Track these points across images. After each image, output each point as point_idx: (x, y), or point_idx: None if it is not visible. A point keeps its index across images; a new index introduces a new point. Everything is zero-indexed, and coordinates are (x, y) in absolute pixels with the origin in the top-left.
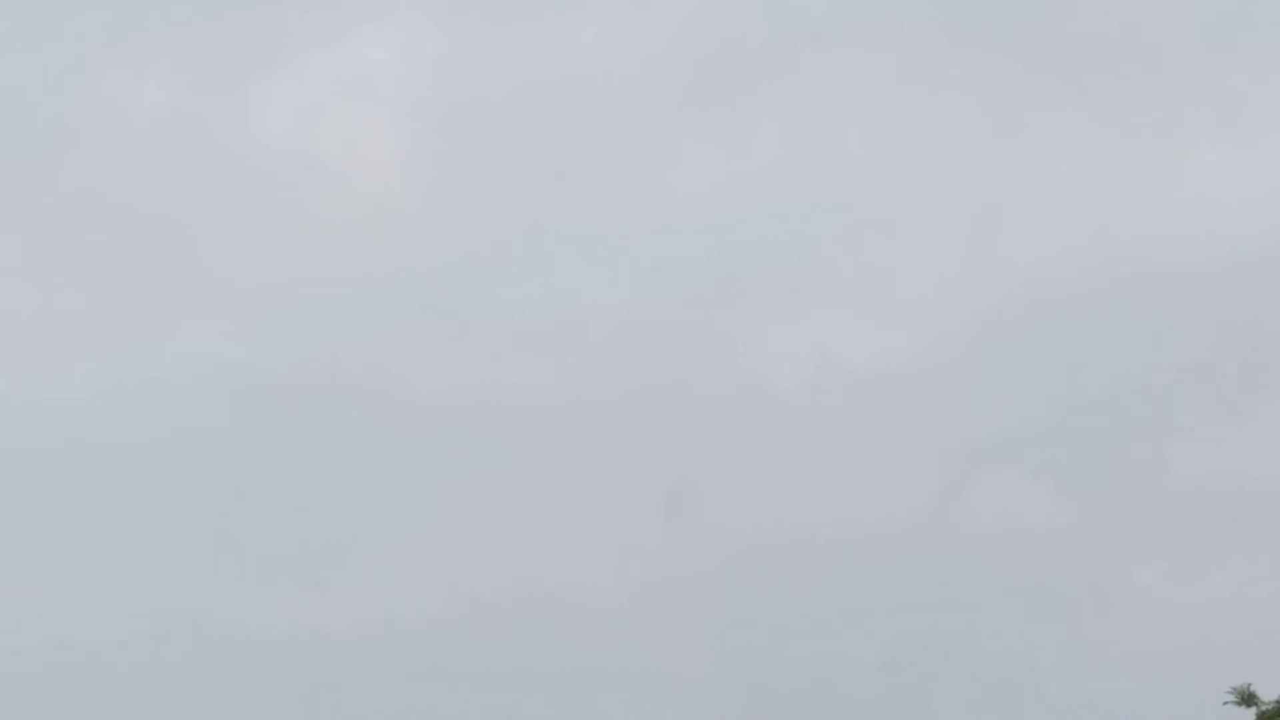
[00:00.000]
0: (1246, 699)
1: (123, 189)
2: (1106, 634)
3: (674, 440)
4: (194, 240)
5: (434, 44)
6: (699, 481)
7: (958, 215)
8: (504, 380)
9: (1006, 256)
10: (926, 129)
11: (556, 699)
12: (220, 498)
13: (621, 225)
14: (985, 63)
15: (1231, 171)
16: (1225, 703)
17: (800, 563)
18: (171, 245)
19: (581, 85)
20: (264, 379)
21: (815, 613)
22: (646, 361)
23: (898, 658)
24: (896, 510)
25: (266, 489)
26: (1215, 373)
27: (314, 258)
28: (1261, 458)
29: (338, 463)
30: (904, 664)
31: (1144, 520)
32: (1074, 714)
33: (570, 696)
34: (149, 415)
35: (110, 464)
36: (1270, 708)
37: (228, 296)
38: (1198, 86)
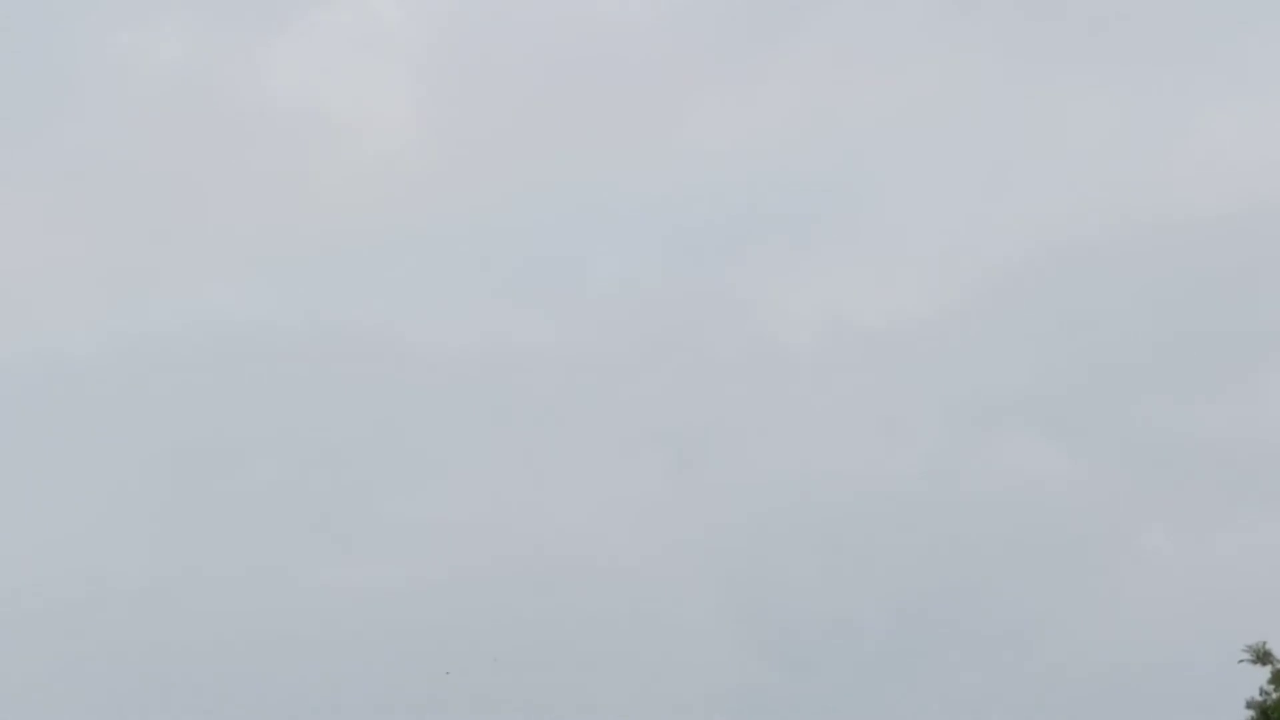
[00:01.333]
0: (1261, 657)
1: (134, 146)
2: (1117, 590)
3: (686, 398)
4: (205, 197)
5: (446, 1)
6: (711, 439)
7: (970, 174)
8: (516, 338)
9: (1018, 215)
10: (940, 88)
11: (569, 654)
12: (229, 453)
13: (633, 184)
14: (999, 21)
15: (1245, 130)
16: (1241, 660)
17: (812, 519)
18: (182, 202)
19: (595, 43)
20: (275, 335)
21: (827, 569)
22: (658, 320)
23: (908, 613)
24: (907, 467)
25: (277, 444)
26: (1226, 332)
27: (325, 214)
28: (1273, 417)
29: (348, 419)
30: (914, 619)
31: (1155, 478)
32: (1083, 669)
33: (583, 652)
34: (158, 371)
35: (120, 419)
36: None
37: (238, 252)
38: (1211, 45)
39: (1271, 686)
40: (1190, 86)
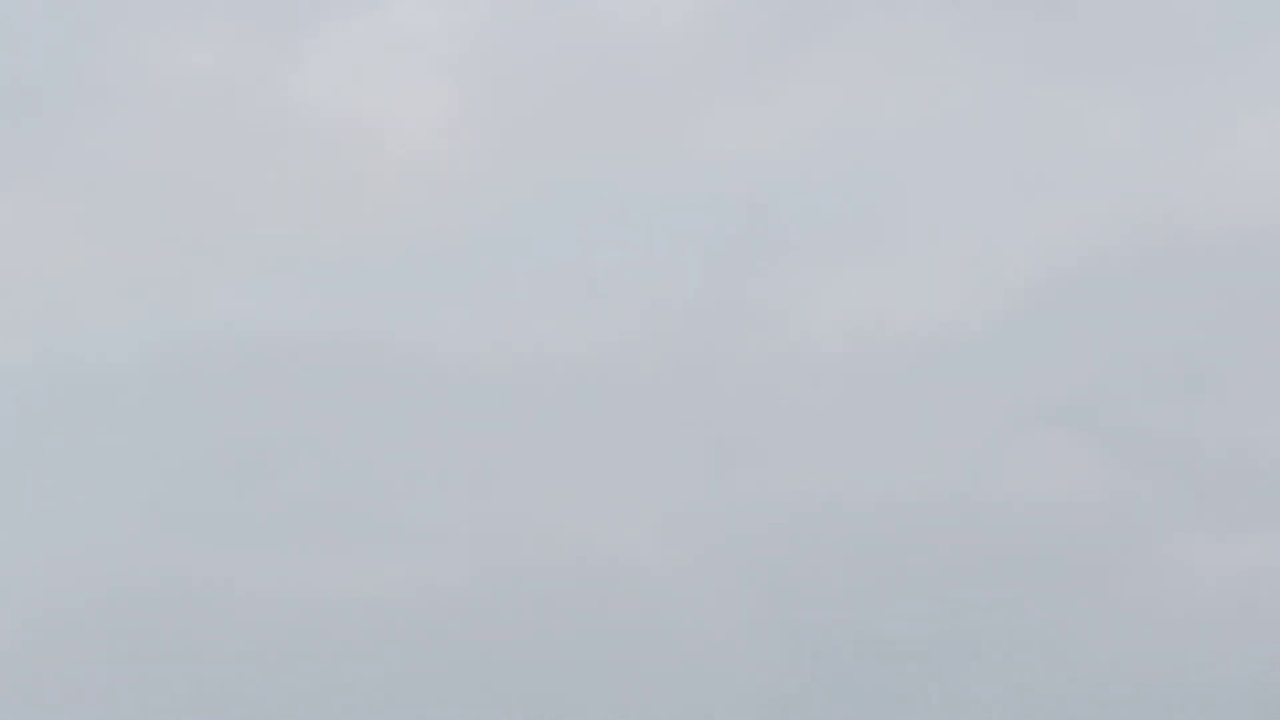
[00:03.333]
0: None
1: (165, 152)
2: (1149, 600)
3: (715, 406)
4: (235, 203)
5: (478, 5)
6: (741, 447)
7: (1001, 178)
8: (547, 346)
9: (1051, 221)
10: (969, 91)
11: (598, 666)
12: (258, 460)
13: (664, 189)
14: (1029, 27)
15: (1278, 139)
16: None
17: (843, 527)
18: (213, 208)
19: (624, 50)
20: (304, 342)
21: (859, 577)
22: (689, 326)
23: (941, 622)
24: (940, 475)
25: (304, 451)
26: (1260, 340)
27: (356, 220)
28: None
29: (374, 425)
30: (947, 628)
31: (1189, 486)
32: (1116, 679)
33: (612, 663)
34: (188, 377)
35: (148, 426)
36: None
37: (268, 259)
38: (1245, 53)
39: None
40: (1224, 92)
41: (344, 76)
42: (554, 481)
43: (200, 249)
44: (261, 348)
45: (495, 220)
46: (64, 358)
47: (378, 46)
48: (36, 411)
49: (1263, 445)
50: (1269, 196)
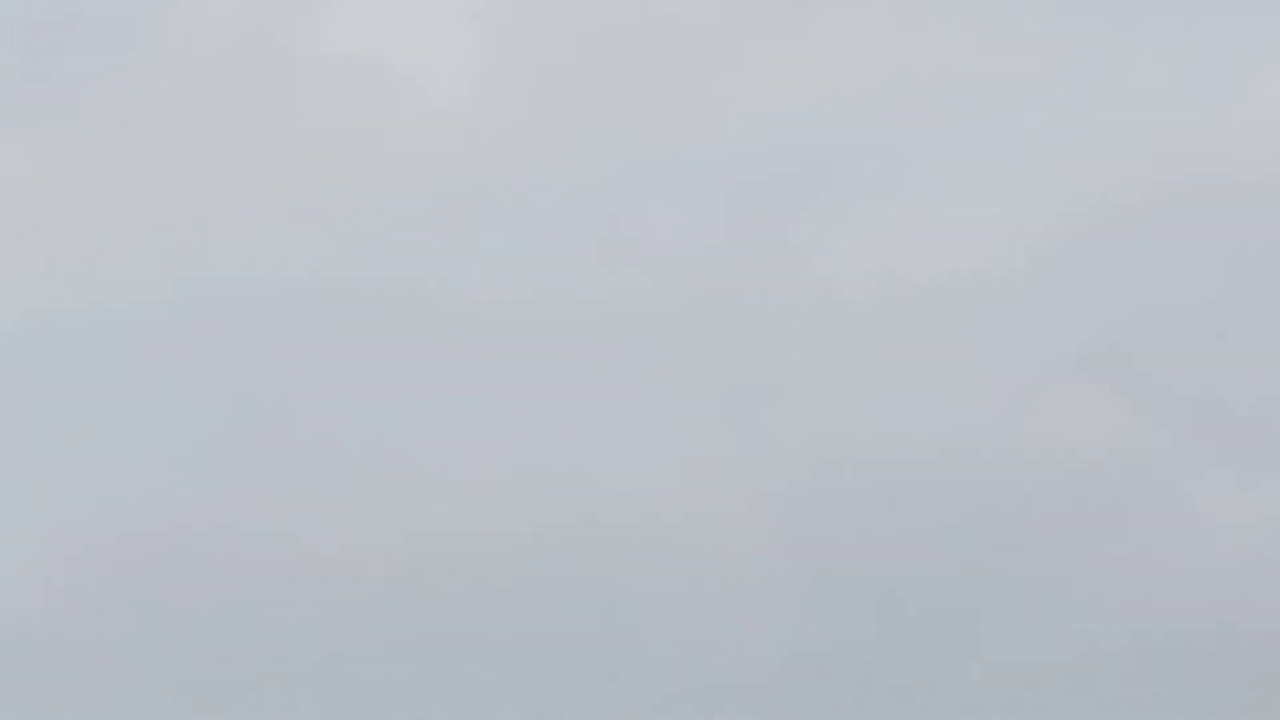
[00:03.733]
0: None
1: (192, 97)
2: (1174, 549)
3: (740, 354)
4: (260, 149)
5: None
6: (766, 395)
7: (1029, 126)
8: (574, 293)
9: (1078, 170)
10: (997, 40)
11: (620, 617)
12: (279, 407)
13: (690, 138)
14: None
15: None
16: None
17: (869, 476)
18: (238, 154)
19: None
20: (334, 288)
21: (884, 526)
22: (715, 274)
23: (965, 570)
24: (966, 423)
25: (328, 398)
26: None
27: (384, 167)
28: None
29: (399, 373)
30: (971, 577)
31: (1214, 435)
32: (1141, 628)
33: (633, 614)
34: (217, 324)
35: (170, 372)
36: None
37: (293, 205)
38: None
39: None
40: (1257, 38)
41: (372, 22)
42: (577, 429)
43: (226, 195)
44: (287, 294)
45: (522, 167)
46: (88, 304)
47: None
48: (59, 358)
49: None
50: None
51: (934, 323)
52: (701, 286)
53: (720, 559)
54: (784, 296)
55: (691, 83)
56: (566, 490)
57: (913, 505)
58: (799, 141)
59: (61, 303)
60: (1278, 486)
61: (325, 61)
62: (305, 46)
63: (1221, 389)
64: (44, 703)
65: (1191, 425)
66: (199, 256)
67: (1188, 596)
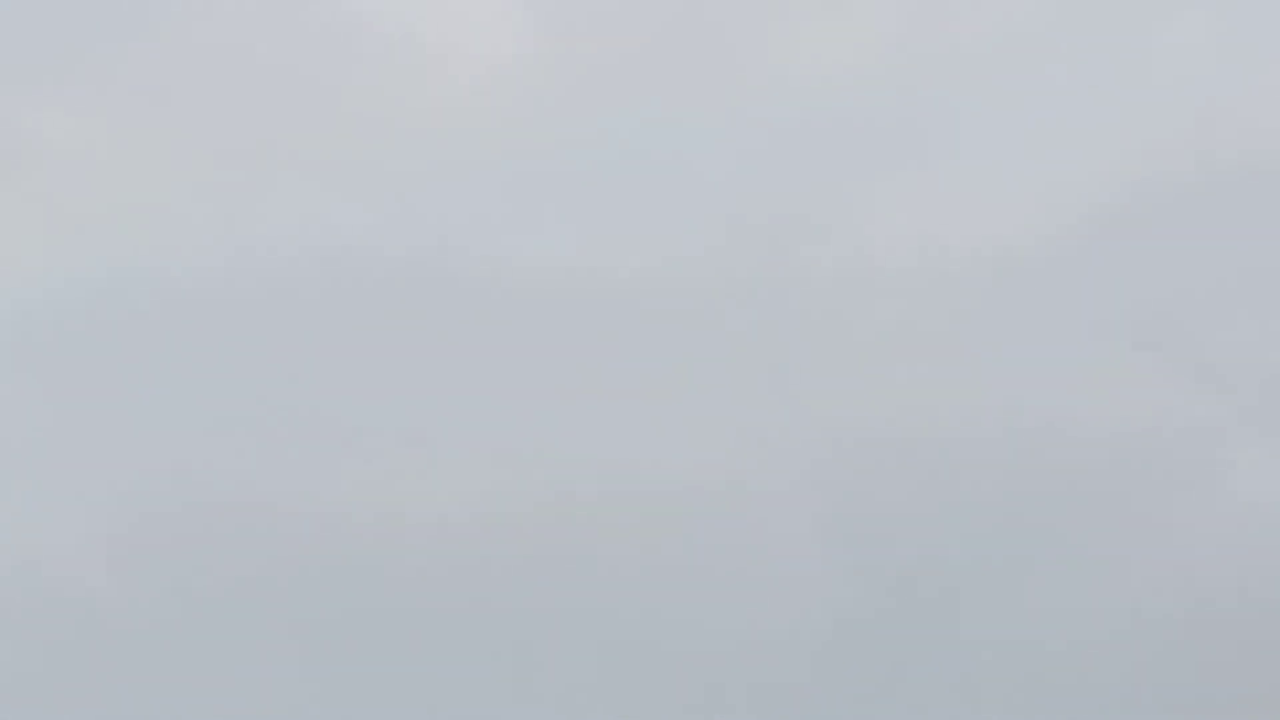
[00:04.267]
0: None
1: (228, 67)
2: (1219, 522)
3: (780, 324)
4: (304, 118)
5: None
6: (804, 366)
7: (1070, 96)
8: (614, 263)
9: (1118, 141)
10: (1045, 10)
11: (661, 589)
12: (324, 375)
13: (731, 101)
14: None
15: None
16: None
17: (910, 447)
18: (282, 123)
19: None
20: (370, 259)
21: (925, 498)
22: (756, 244)
23: (1004, 542)
24: (1004, 395)
25: (369, 369)
26: None
27: (420, 139)
28: None
29: (438, 342)
30: (1010, 548)
31: (1260, 409)
32: (1185, 601)
33: (674, 585)
34: (254, 295)
35: (217, 339)
36: None
37: (335, 174)
38: None
39: None
40: None
41: None
42: (614, 401)
43: (269, 165)
44: (333, 264)
45: (559, 140)
46: (137, 270)
47: None
48: (105, 326)
49: None
50: None
51: (974, 295)
52: (738, 258)
53: (758, 532)
54: (821, 267)
55: (729, 55)
56: (602, 463)
57: (952, 476)
58: (837, 111)
59: (108, 269)
60: None
61: (360, 23)
62: (341, 14)
63: (1265, 362)
64: (100, 671)
65: (1236, 399)
66: (244, 225)
67: (1232, 572)
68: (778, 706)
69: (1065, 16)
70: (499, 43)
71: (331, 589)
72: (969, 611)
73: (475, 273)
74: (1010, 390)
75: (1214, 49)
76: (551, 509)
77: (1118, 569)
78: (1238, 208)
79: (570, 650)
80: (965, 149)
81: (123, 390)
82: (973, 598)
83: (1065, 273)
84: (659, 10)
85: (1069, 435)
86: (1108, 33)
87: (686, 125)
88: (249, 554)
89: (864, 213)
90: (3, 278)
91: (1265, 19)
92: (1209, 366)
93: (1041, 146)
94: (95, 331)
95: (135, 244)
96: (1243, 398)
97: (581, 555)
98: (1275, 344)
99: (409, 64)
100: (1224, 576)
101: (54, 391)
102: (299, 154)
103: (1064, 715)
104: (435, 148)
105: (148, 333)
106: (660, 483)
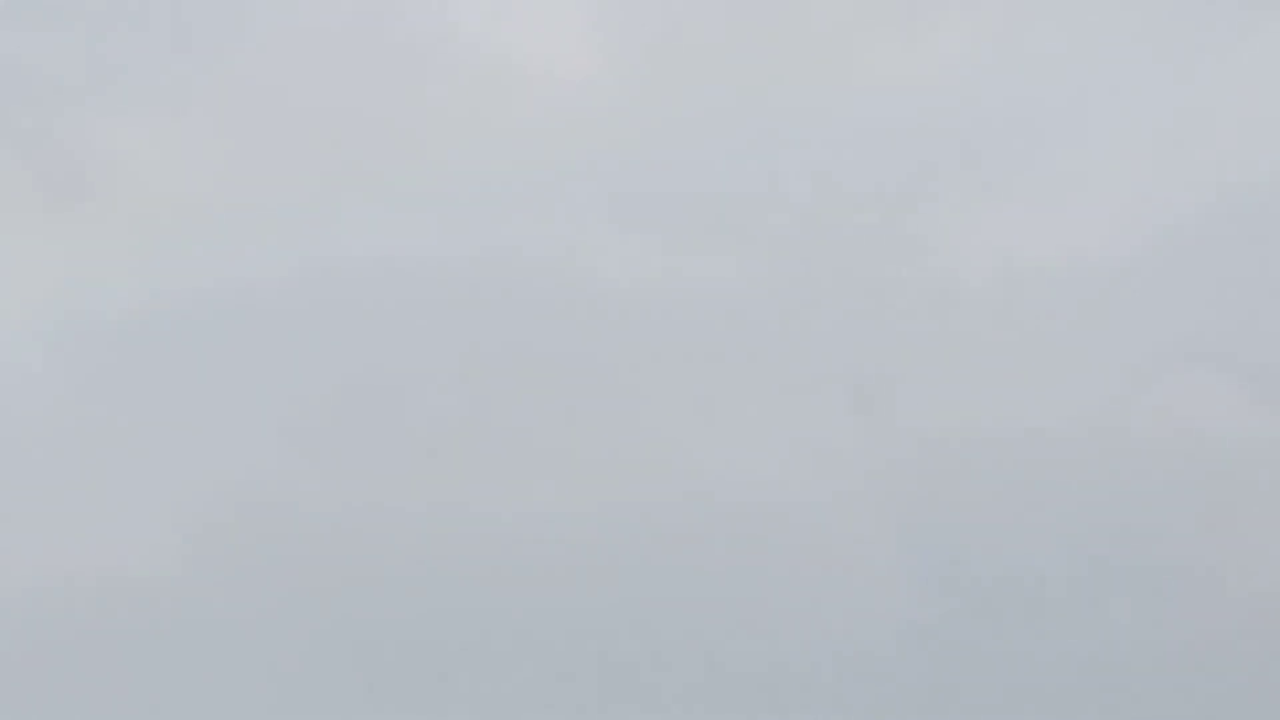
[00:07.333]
0: None
1: (315, 80)
2: None
3: (861, 339)
4: (381, 131)
5: None
6: (886, 381)
7: (1151, 115)
8: (690, 275)
9: (1199, 159)
10: (1120, 26)
11: (736, 600)
12: (407, 386)
13: (809, 122)
14: None
15: None
16: None
17: (985, 460)
18: (359, 136)
19: None
20: (453, 270)
21: (1003, 512)
22: (835, 257)
23: (1084, 557)
24: (1085, 411)
25: (453, 378)
26: None
27: (505, 151)
28: None
29: (519, 354)
30: (1090, 564)
31: None
32: (1257, 613)
33: (750, 598)
34: (339, 303)
35: (299, 351)
36: None
37: (412, 187)
38: None
39: None
40: None
41: (497, 13)
42: (697, 414)
43: (346, 178)
44: (407, 274)
45: (642, 152)
46: (217, 281)
47: None
48: (183, 336)
49: None
50: None
51: (1056, 309)
52: (823, 272)
53: (840, 546)
54: (905, 283)
55: (813, 69)
56: (685, 475)
57: (1028, 489)
58: (921, 128)
59: (186, 281)
60: None
61: (445, 44)
62: (425, 30)
63: None
64: (174, 669)
65: None
66: (320, 236)
67: None
68: (853, 716)
69: (1144, 34)
70: (579, 62)
71: (403, 592)
72: (1053, 623)
73: (560, 283)
74: (1086, 403)
75: None
76: (628, 517)
77: (1197, 580)
78: None
79: (643, 656)
80: (1043, 166)
81: (201, 396)
82: (1055, 609)
83: (1142, 287)
84: (737, 31)
85: (1146, 447)
86: (1186, 49)
87: (772, 141)
88: (321, 556)
89: (948, 230)
90: (89, 292)
91: None
92: (1278, 382)
93: (1119, 163)
94: (177, 341)
95: (213, 257)
96: None
97: (658, 563)
98: None
99: (489, 82)
100: None
101: (136, 398)
102: (379, 167)
103: None
104: (513, 163)
105: (226, 343)
106: (738, 493)
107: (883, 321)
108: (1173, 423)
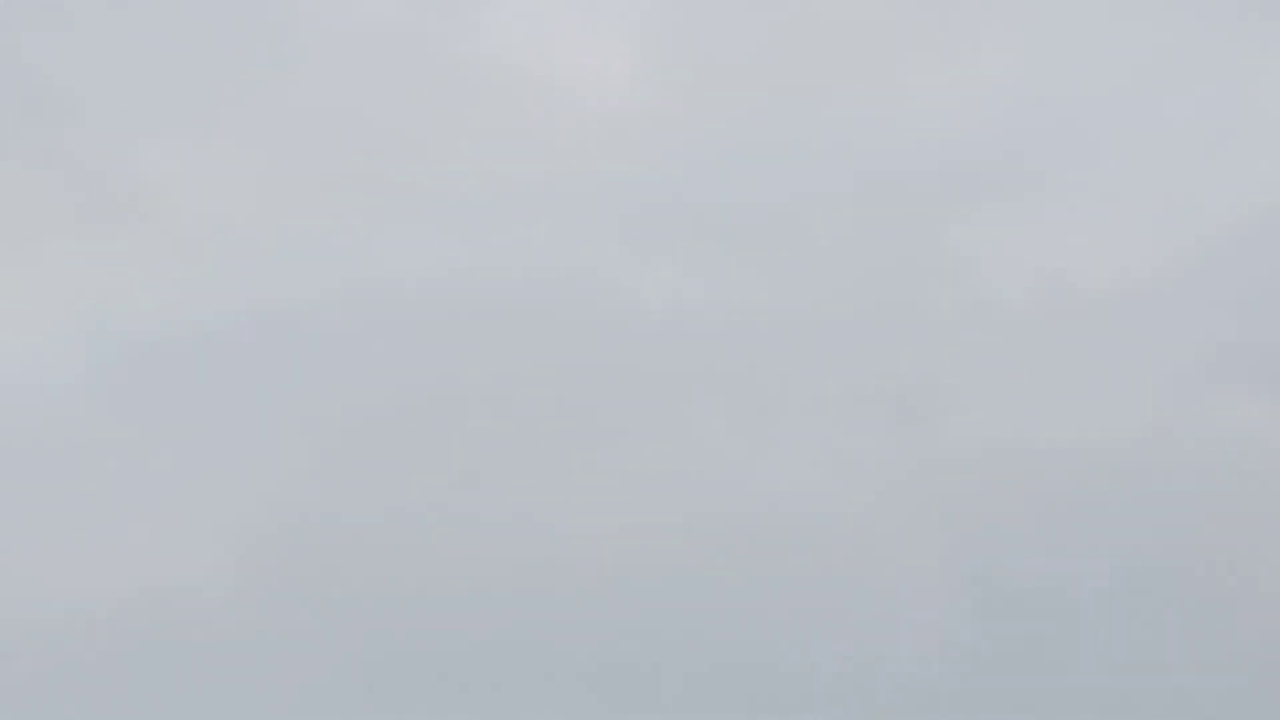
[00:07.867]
0: None
1: (352, 99)
2: None
3: (902, 356)
4: (417, 150)
5: None
6: (926, 398)
7: (1191, 131)
8: (732, 292)
9: (1241, 175)
10: (1161, 43)
11: (778, 612)
12: (446, 399)
13: (849, 137)
14: None
15: None
16: None
17: (1028, 474)
18: (399, 156)
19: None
20: (488, 286)
21: (1047, 528)
22: (876, 274)
23: (1128, 573)
24: (1128, 425)
25: (490, 393)
26: None
27: (545, 172)
28: None
29: (554, 371)
30: (1133, 579)
31: None
32: None
33: (792, 610)
34: (376, 319)
35: (338, 366)
36: None
37: (450, 205)
38: None
39: None
40: None
41: (529, 23)
42: (739, 431)
43: (384, 196)
44: (446, 292)
45: (679, 170)
46: (256, 299)
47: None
48: (221, 353)
49: None
50: None
51: (1092, 322)
52: (862, 286)
53: (882, 563)
54: (944, 296)
55: (852, 86)
56: (728, 491)
57: (1071, 503)
58: (959, 145)
59: (226, 300)
60: None
61: (481, 62)
62: (464, 51)
63: None
64: (223, 683)
65: None
66: (357, 255)
67: None
68: None
69: (1183, 50)
70: (618, 82)
71: (458, 608)
72: (1096, 638)
73: (596, 304)
74: (1133, 420)
75: None
76: (671, 534)
77: (1234, 592)
78: None
79: (679, 667)
80: (1084, 183)
81: (249, 415)
82: (1098, 625)
83: (1183, 300)
84: (777, 51)
85: (1187, 461)
86: (1229, 69)
87: (813, 159)
88: (373, 574)
89: (988, 246)
90: (135, 311)
91: None
92: None
93: (1162, 177)
94: (214, 359)
95: (251, 277)
96: None
97: (705, 581)
98: None
99: (528, 104)
100: None
101: (173, 415)
102: (417, 186)
103: None
104: (553, 184)
105: (264, 359)
106: (783, 510)
107: (923, 336)
108: (1213, 436)
